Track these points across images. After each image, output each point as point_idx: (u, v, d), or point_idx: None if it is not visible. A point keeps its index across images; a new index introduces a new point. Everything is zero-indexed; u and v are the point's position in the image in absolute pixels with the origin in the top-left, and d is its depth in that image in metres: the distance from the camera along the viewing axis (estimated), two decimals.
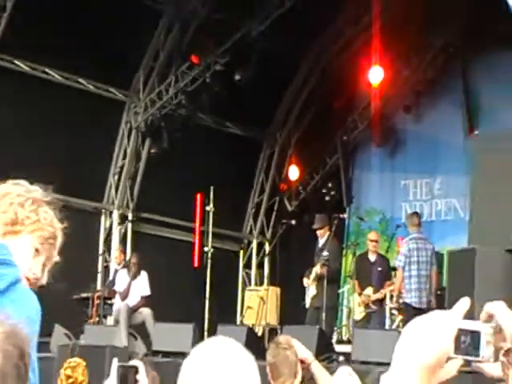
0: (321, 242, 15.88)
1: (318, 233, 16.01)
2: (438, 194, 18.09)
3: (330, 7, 17.15)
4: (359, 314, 15.56)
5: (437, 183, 18.33)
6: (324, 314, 14.93)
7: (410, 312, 13.91)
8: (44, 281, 3.56)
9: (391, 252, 17.07)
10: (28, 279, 3.46)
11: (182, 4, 17.87)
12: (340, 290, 16.76)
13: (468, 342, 1.79)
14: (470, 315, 1.73)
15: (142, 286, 15.56)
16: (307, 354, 6.30)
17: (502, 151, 11.41)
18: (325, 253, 15.35)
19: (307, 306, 15.73)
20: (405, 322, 14.29)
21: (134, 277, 15.65)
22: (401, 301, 14.71)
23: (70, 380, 7.78)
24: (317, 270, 15.36)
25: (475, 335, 1.80)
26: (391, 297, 15.42)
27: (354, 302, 15.90)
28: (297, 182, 20.26)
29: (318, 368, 6.23)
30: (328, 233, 15.81)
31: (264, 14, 16.74)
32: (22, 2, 16.42)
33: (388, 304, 15.53)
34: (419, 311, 12.84)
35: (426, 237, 15.05)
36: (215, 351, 2.29)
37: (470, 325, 1.79)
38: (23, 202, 3.45)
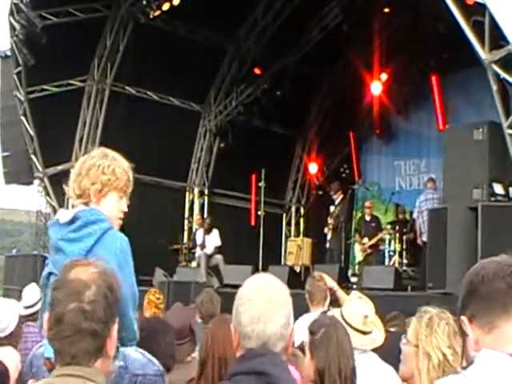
0: (336, 202, 15.63)
1: (334, 197, 15.79)
2: (423, 171, 17.75)
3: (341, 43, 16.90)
4: (360, 257, 15.35)
5: (423, 163, 17.98)
6: (335, 253, 15.02)
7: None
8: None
9: (388, 212, 16.83)
10: (120, 218, 3.42)
11: (240, 45, 17.82)
12: (349, 241, 16.44)
13: None
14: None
15: (214, 240, 15.57)
16: (333, 284, 6.26)
17: (462, 139, 11.25)
18: (332, 208, 15.28)
19: (328, 246, 15.59)
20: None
21: (208, 233, 15.67)
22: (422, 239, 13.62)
23: (159, 301, 8.08)
24: (330, 221, 15.25)
25: None
26: (389, 243, 15.31)
27: (356, 248, 15.74)
28: (322, 165, 20.09)
29: (341, 293, 6.21)
30: (341, 196, 15.60)
31: (296, 49, 16.58)
32: (129, 44, 16.52)
33: (387, 248, 15.42)
34: None
35: (435, 191, 13.99)
36: (258, 281, 2.32)
37: None
38: (103, 170, 3.36)
